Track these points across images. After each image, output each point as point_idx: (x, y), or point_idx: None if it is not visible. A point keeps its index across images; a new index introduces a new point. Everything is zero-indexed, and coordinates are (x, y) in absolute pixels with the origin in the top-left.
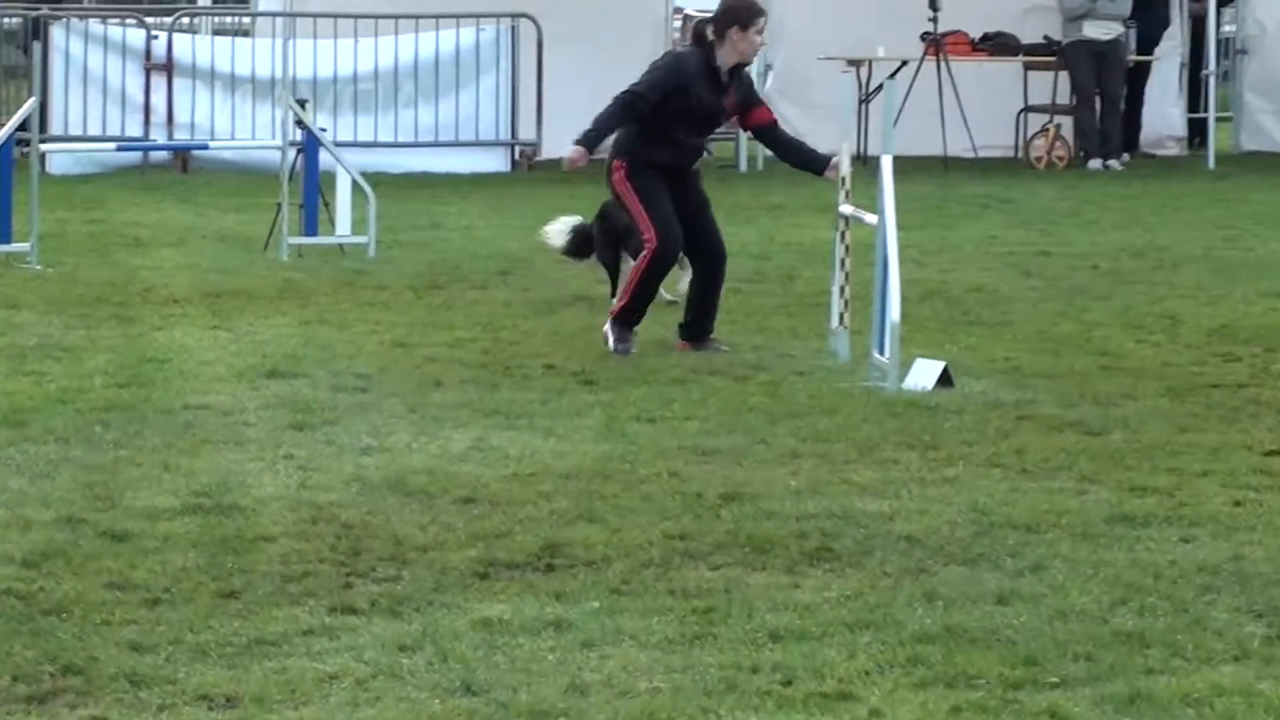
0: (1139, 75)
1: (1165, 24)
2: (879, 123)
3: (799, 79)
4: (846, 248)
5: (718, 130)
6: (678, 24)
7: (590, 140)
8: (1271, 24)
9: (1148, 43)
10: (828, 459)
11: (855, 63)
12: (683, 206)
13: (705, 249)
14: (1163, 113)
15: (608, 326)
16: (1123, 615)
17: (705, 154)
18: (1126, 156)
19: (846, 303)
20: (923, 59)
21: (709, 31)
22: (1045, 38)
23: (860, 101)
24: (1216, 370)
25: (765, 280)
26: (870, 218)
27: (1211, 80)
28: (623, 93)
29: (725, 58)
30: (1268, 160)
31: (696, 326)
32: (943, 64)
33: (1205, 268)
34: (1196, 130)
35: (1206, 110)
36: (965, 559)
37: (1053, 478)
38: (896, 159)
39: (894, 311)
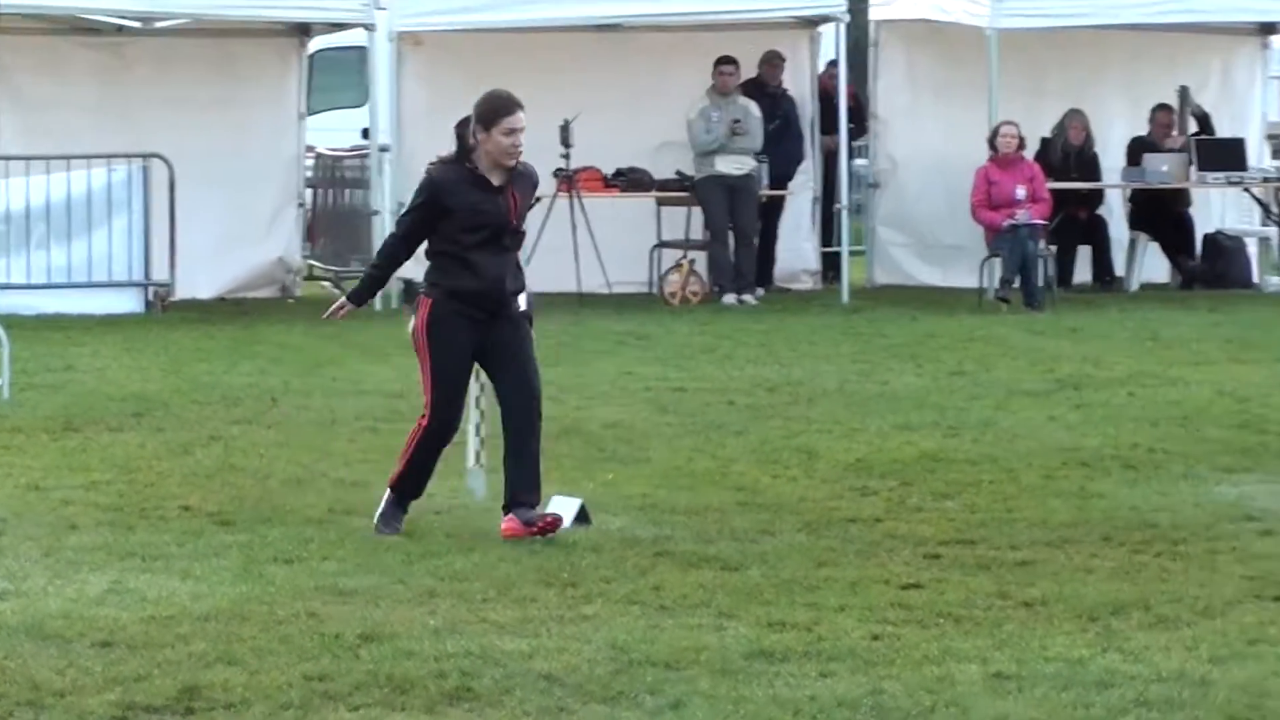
0: (772, 210)
1: (798, 158)
2: None
3: None
4: (482, 386)
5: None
6: (310, 162)
7: (359, 296)
8: (902, 158)
9: (781, 177)
10: (466, 598)
11: None
12: (492, 352)
13: (511, 395)
14: (796, 247)
15: (386, 494)
16: None
17: (522, 297)
18: (761, 291)
19: (483, 441)
20: (555, 195)
21: (470, 135)
22: (678, 173)
23: None
24: (853, 504)
25: (401, 419)
26: None
27: (844, 214)
28: (386, 239)
29: (482, 162)
30: (901, 293)
31: (512, 496)
32: (576, 200)
33: (840, 402)
34: (830, 264)
35: (840, 244)
36: (605, 697)
37: (691, 614)
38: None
39: None
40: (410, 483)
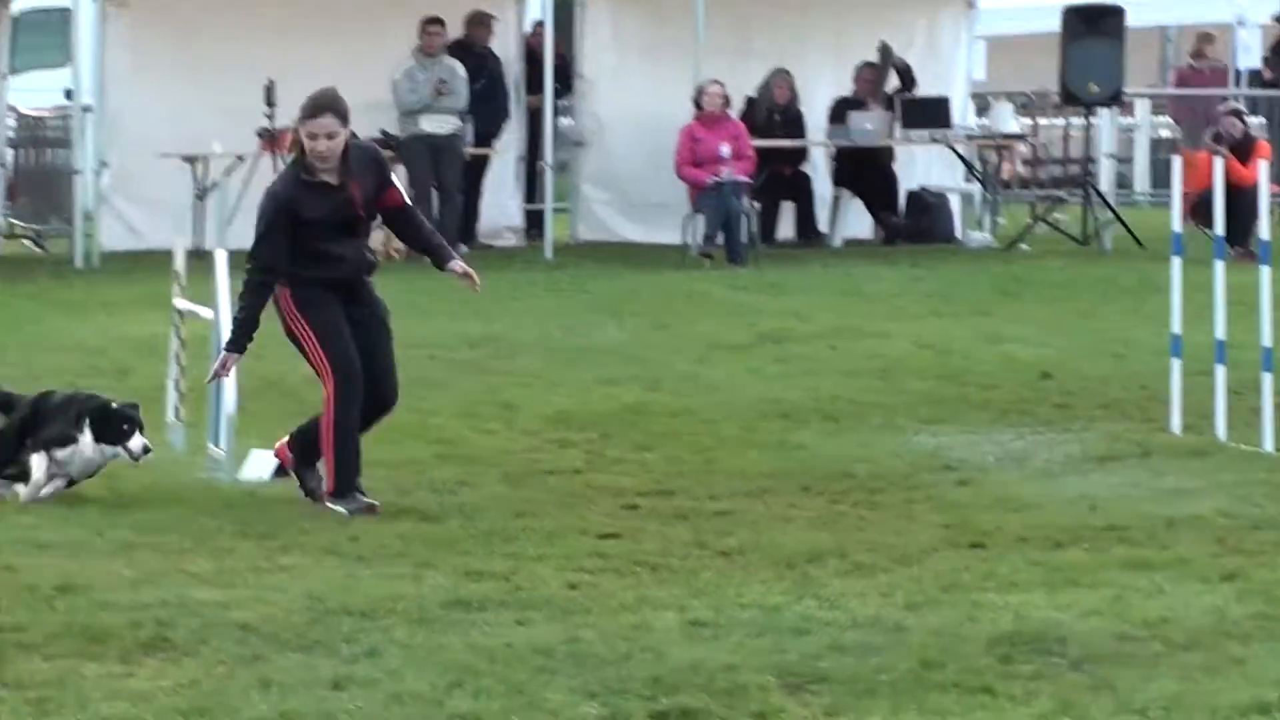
0: (477, 168)
1: (504, 117)
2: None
3: (135, 175)
4: (182, 341)
5: None
6: (12, 122)
7: (238, 344)
8: (607, 117)
9: (486, 136)
10: (163, 550)
11: (192, 159)
12: (356, 333)
13: (370, 386)
14: (501, 204)
15: (330, 506)
16: (458, 698)
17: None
18: (464, 248)
19: (182, 396)
20: (259, 154)
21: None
22: (382, 132)
23: (197, 196)
24: (553, 456)
25: (100, 375)
26: (205, 312)
27: (549, 172)
28: (246, 273)
29: (309, 160)
30: (604, 250)
31: (309, 445)
32: (279, 159)
33: (542, 356)
34: (534, 221)
35: (544, 201)
36: (301, 645)
37: (389, 564)
38: (236, 253)
39: (229, 404)
40: (347, 478)
